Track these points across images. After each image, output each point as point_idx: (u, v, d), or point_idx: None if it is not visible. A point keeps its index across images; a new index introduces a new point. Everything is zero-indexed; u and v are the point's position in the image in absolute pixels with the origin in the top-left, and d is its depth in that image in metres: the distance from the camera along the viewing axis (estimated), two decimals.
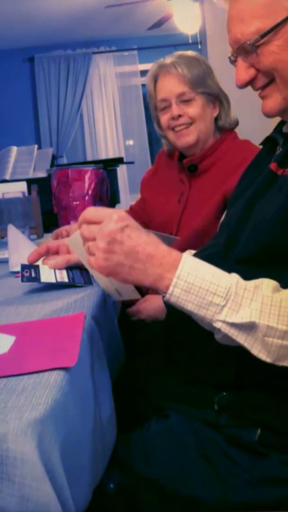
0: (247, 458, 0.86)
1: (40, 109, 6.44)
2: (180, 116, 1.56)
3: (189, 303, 0.77)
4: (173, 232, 1.60)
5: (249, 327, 0.75)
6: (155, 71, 1.60)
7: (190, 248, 1.19)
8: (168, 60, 1.57)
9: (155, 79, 1.60)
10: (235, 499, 0.84)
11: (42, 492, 0.52)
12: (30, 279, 1.08)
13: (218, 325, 0.76)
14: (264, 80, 0.91)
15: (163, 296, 0.80)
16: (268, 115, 0.94)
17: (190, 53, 1.62)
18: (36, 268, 1.13)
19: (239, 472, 0.85)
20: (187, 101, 1.55)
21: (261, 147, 1.07)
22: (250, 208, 0.92)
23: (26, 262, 1.15)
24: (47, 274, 1.11)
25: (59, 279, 1.09)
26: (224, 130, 1.64)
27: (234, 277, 0.78)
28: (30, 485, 0.52)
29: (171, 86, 1.56)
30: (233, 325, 0.75)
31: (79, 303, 0.97)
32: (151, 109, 1.68)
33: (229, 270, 0.79)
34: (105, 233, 0.78)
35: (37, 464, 0.52)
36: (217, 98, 1.60)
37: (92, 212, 0.82)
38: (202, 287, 0.76)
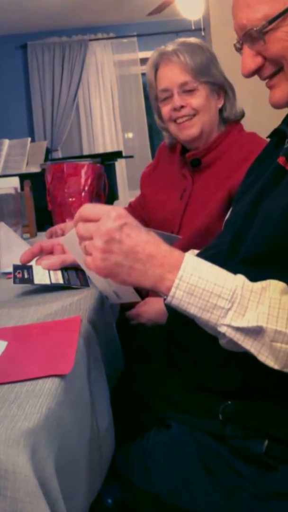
0: (254, 471, 0.86)
1: (33, 99, 6.44)
2: (182, 107, 1.55)
3: (192, 306, 0.77)
4: (175, 231, 1.60)
5: (255, 332, 0.75)
6: (155, 59, 1.59)
7: (193, 248, 1.19)
8: (170, 47, 1.57)
9: (156, 68, 1.60)
10: None
11: (35, 507, 0.52)
12: (22, 280, 1.08)
13: (223, 329, 0.76)
14: (272, 69, 0.91)
15: (164, 299, 0.80)
16: (276, 105, 0.94)
17: (193, 40, 1.62)
18: (29, 268, 1.13)
19: (245, 486, 0.85)
20: (190, 91, 1.55)
21: (268, 140, 1.07)
22: (257, 205, 0.92)
23: (18, 263, 1.15)
24: (41, 275, 1.11)
25: (53, 281, 1.09)
26: (230, 122, 1.63)
27: (240, 278, 0.78)
28: (22, 499, 0.52)
29: (172, 75, 1.55)
30: (238, 329, 0.75)
31: (75, 306, 0.97)
32: (152, 99, 1.68)
33: (234, 270, 0.79)
34: (103, 232, 0.78)
35: (30, 477, 0.52)
36: (221, 88, 1.60)
37: (89, 209, 0.82)
38: (206, 289, 0.76)
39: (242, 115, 1.66)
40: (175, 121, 1.59)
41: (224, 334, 0.77)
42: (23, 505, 0.52)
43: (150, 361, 1.16)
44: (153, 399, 1.02)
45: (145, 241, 0.79)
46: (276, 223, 0.84)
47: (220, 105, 1.61)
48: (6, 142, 3.05)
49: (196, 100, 1.56)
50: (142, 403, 1.04)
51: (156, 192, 1.73)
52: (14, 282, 1.07)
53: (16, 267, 1.13)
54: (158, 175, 1.77)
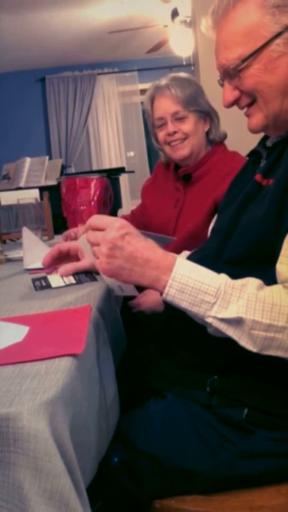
0: (235, 434, 0.86)
1: (51, 124, 6.43)
2: (175, 132, 1.58)
3: (183, 301, 0.77)
4: (170, 233, 1.61)
5: (236, 322, 0.75)
6: (151, 92, 1.62)
7: (185, 248, 1.19)
8: (163, 82, 1.59)
9: (152, 100, 1.62)
10: (225, 470, 0.85)
11: (53, 465, 0.52)
12: (42, 287, 1.09)
13: (209, 320, 0.77)
14: (247, 100, 0.92)
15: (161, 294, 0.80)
16: (253, 131, 0.94)
17: (182, 74, 1.64)
18: (45, 278, 1.13)
19: (228, 447, 0.85)
20: (181, 119, 1.57)
21: (247, 158, 1.07)
22: (238, 215, 0.92)
23: (39, 261, 1.15)
24: (56, 280, 1.11)
25: (67, 282, 1.10)
26: (215, 142, 1.65)
27: (223, 277, 0.78)
28: (42, 458, 0.52)
29: (166, 106, 1.58)
30: (222, 320, 0.76)
31: (86, 297, 0.97)
32: (149, 126, 1.69)
33: (220, 270, 0.80)
34: (107, 240, 0.78)
35: (48, 440, 0.52)
36: (208, 114, 1.62)
37: (97, 220, 0.83)
38: (195, 287, 0.77)
39: (225, 136, 1.67)
40: (169, 144, 1.60)
41: (210, 324, 0.77)
42: (43, 463, 0.52)
43: (149, 344, 1.16)
44: (151, 375, 1.02)
45: (143, 247, 0.79)
46: (254, 230, 0.84)
47: (206, 129, 1.63)
48: (28, 160, 3.04)
49: (186, 126, 1.57)
50: (142, 379, 1.04)
51: (154, 202, 1.74)
52: (36, 290, 1.08)
53: (34, 279, 1.13)
54: (156, 187, 1.77)
